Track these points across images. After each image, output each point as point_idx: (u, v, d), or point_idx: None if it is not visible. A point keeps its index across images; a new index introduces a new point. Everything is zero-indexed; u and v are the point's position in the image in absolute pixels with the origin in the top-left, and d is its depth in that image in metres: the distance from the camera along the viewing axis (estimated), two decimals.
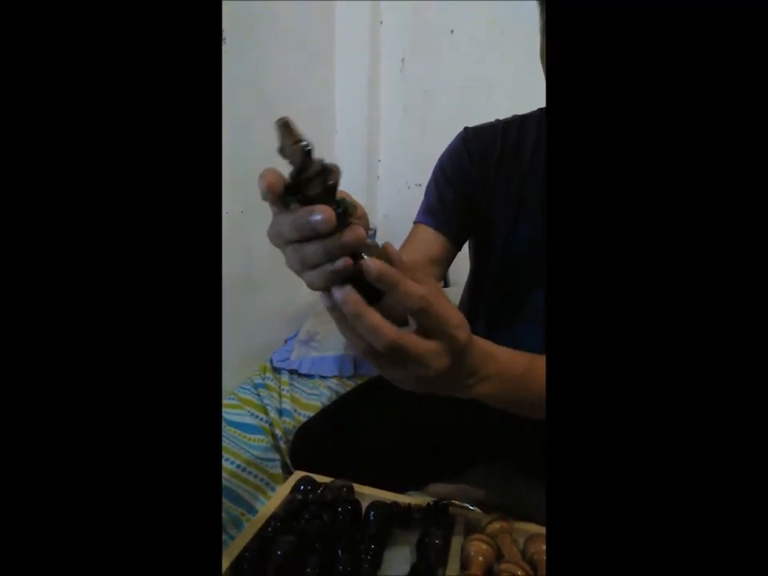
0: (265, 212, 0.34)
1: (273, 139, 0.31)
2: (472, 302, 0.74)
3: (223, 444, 0.86)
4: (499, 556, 0.50)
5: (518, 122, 0.68)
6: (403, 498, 0.59)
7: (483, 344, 0.42)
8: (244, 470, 0.81)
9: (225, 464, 0.82)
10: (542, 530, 0.55)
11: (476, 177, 0.67)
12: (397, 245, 1.52)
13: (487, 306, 0.71)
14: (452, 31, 1.33)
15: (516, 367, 0.44)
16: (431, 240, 0.66)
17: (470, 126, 0.71)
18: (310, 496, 0.59)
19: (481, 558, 0.49)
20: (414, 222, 0.70)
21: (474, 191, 0.67)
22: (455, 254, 0.70)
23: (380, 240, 1.65)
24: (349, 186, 1.63)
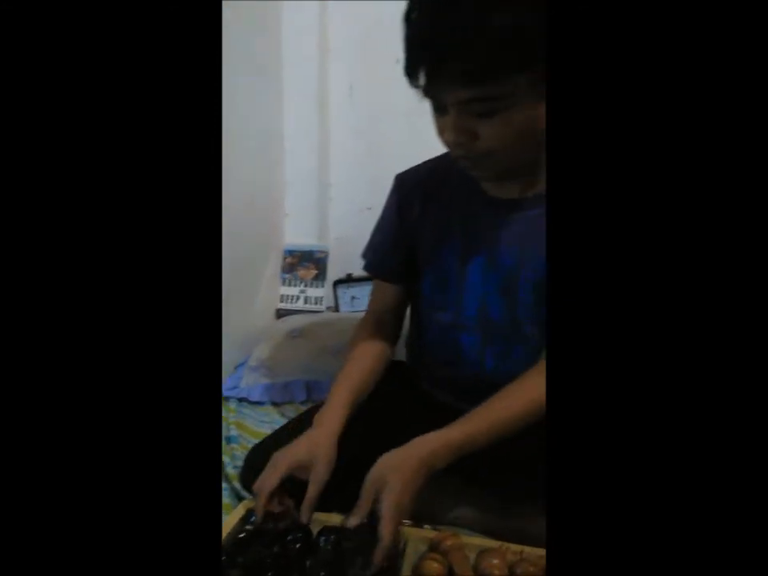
0: None
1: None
2: (413, 328, 0.82)
3: None
4: (451, 573, 0.51)
5: (448, 159, 0.71)
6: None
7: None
8: None
9: None
10: (494, 543, 0.56)
11: (409, 222, 0.74)
12: (349, 265, 1.52)
13: (425, 326, 0.77)
14: (397, 60, 1.37)
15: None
16: (384, 291, 0.79)
17: (402, 171, 0.78)
18: (258, 525, 0.57)
19: None
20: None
21: (409, 235, 0.75)
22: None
23: (333, 261, 1.63)
24: (301, 208, 1.64)
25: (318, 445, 0.62)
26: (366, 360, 0.74)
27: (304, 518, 0.57)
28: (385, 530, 0.50)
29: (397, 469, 0.55)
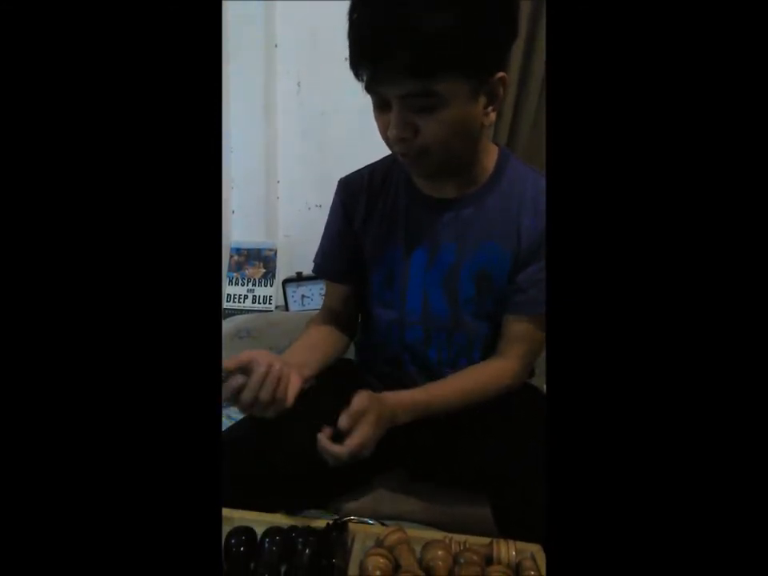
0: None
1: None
2: (362, 326, 0.84)
3: None
4: (397, 567, 0.51)
5: (389, 162, 0.75)
6: (302, 521, 0.58)
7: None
8: None
9: None
10: (439, 535, 0.57)
11: (355, 224, 0.76)
12: (299, 264, 1.49)
13: (372, 324, 0.79)
14: (345, 58, 1.37)
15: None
16: (336, 291, 0.80)
17: (344, 176, 0.79)
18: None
19: (378, 573, 0.49)
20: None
21: (355, 236, 0.76)
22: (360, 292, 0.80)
23: (282, 259, 1.60)
24: (248, 205, 1.61)
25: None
26: (313, 338, 0.75)
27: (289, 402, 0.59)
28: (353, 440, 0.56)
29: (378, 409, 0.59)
